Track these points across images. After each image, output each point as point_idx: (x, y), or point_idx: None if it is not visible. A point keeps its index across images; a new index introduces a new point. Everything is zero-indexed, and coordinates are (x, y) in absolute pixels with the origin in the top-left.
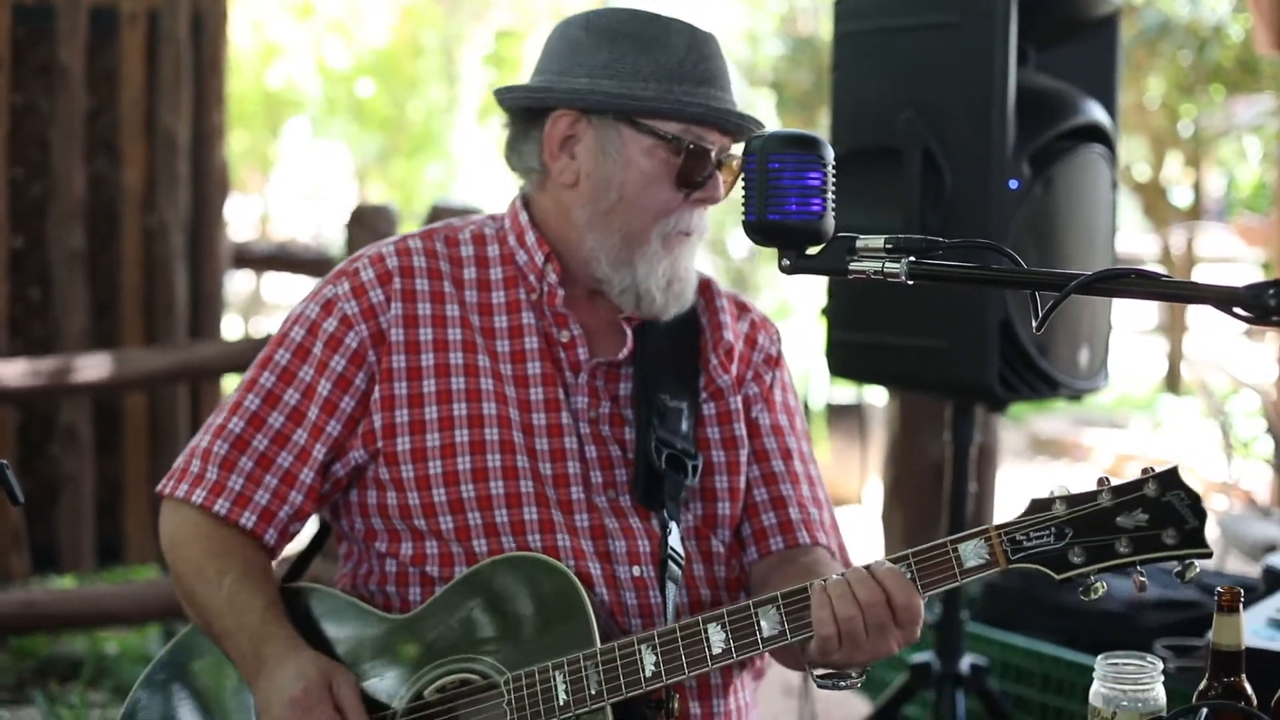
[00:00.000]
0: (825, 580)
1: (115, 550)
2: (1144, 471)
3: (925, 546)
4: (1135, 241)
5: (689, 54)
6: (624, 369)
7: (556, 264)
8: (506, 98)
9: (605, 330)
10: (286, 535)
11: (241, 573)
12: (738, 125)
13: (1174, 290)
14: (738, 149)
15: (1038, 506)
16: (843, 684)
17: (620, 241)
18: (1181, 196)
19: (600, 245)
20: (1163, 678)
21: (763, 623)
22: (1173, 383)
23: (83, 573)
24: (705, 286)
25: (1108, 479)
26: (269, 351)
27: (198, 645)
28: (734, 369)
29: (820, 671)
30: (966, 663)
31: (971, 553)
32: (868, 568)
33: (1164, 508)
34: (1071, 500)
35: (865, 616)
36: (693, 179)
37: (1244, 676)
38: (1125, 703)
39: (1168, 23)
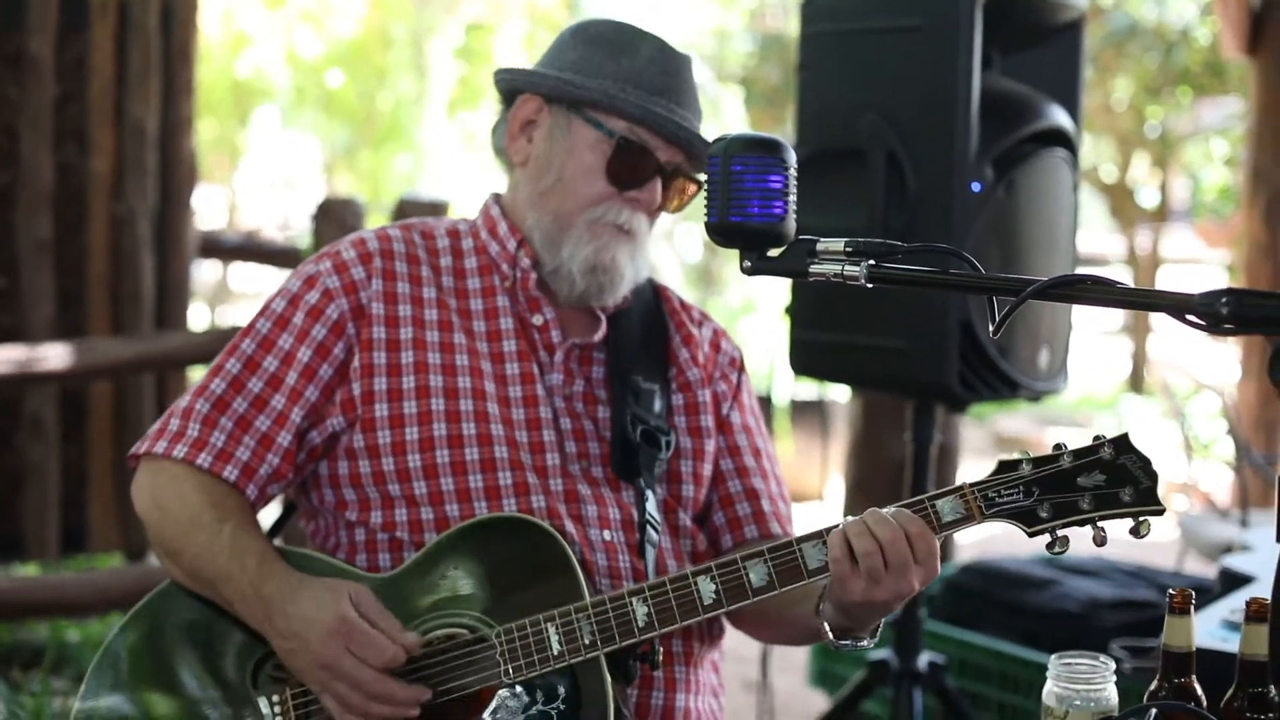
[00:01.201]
0: (846, 520)
1: (79, 539)
2: (1096, 438)
3: (905, 502)
4: (1101, 242)
5: (651, 64)
6: (597, 352)
7: (529, 249)
8: (496, 78)
9: (579, 315)
10: (265, 495)
11: (240, 521)
12: (677, 135)
13: (1129, 297)
14: (697, 178)
15: (1005, 467)
16: (859, 645)
17: (551, 222)
18: (1148, 198)
19: (536, 223)
20: (1115, 678)
21: (751, 575)
22: (1136, 383)
23: (47, 561)
24: (664, 292)
25: (1064, 445)
26: (251, 322)
27: (166, 604)
28: (701, 364)
29: (835, 632)
30: (924, 660)
31: (948, 508)
32: (886, 512)
33: (1119, 469)
34: (1036, 461)
35: (885, 553)
36: (625, 176)
37: (1194, 678)
38: (1078, 702)
39: (1135, 25)
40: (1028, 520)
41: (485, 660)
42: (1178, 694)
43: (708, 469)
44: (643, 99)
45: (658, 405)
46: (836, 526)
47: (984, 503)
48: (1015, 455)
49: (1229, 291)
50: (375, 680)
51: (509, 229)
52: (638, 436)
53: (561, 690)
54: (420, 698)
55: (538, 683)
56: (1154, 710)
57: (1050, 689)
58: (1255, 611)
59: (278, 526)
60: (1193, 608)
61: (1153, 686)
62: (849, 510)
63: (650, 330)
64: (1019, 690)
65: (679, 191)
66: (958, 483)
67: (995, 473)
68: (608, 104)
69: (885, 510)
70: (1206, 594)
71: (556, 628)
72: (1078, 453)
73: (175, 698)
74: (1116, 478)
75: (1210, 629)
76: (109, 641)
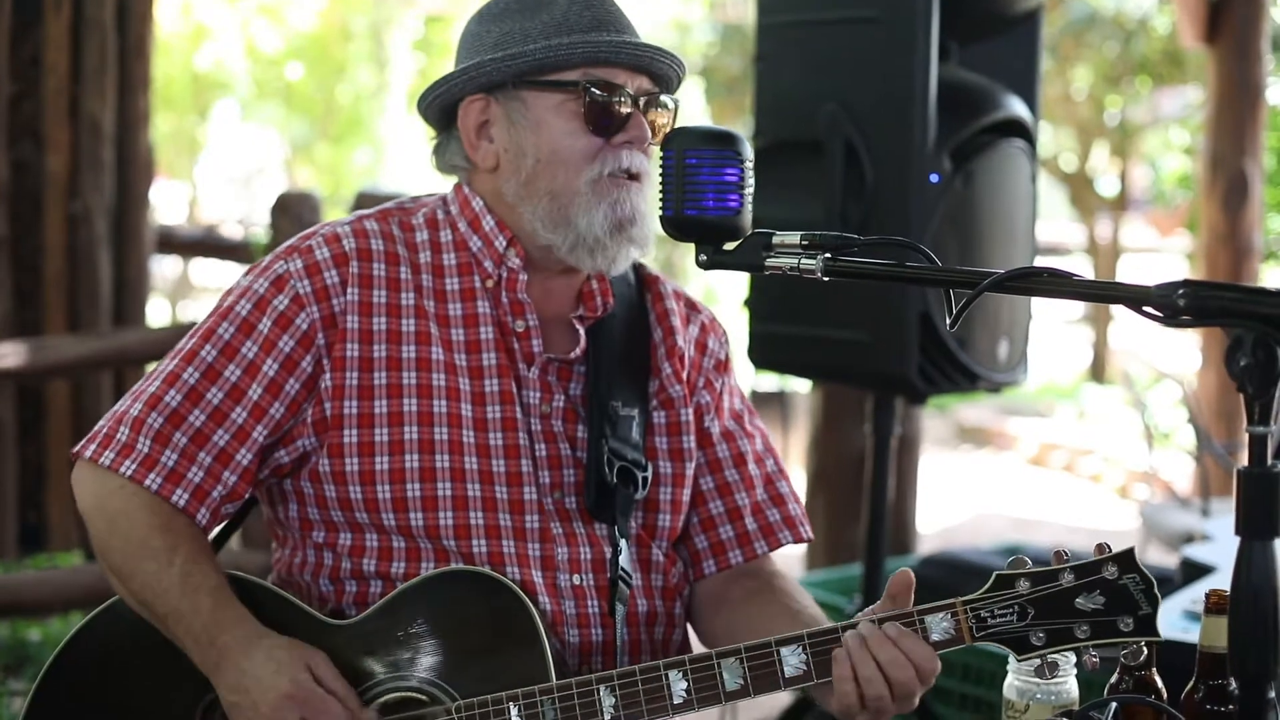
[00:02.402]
0: (849, 650)
1: (38, 537)
2: (1100, 549)
3: (893, 614)
4: (1062, 231)
5: (572, 6)
6: (577, 367)
7: (519, 248)
8: (422, 107)
9: (559, 327)
10: (218, 516)
11: (191, 550)
12: (635, 59)
13: (1085, 289)
14: (665, 99)
15: (1002, 582)
16: None
17: (550, 202)
18: (1108, 187)
19: (534, 213)
20: (1076, 671)
21: (725, 675)
22: (1097, 372)
23: (5, 560)
24: (654, 283)
25: (1065, 554)
26: (211, 323)
27: (116, 619)
28: (686, 377)
29: None
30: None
31: (938, 626)
32: (892, 638)
33: (1120, 591)
34: (1034, 578)
35: (895, 694)
36: (605, 120)
37: (1155, 670)
38: (1039, 695)
39: (1094, 15)
40: (1019, 646)
41: None
42: (1138, 686)
43: (687, 494)
44: (585, 38)
45: (635, 433)
46: (825, 639)
47: (975, 623)
48: (1013, 568)
49: (1185, 283)
50: None
51: (496, 224)
52: (614, 476)
53: None
54: None
55: None
56: (1114, 704)
57: (1011, 683)
58: (1214, 604)
59: (232, 527)
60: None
61: (1114, 679)
62: (810, 502)
63: (633, 339)
64: (981, 682)
65: (658, 118)
66: (952, 599)
67: (991, 588)
68: (554, 61)
69: (889, 628)
70: (1167, 584)
71: (519, 709)
72: (1079, 570)
73: (124, 715)
74: (1117, 603)
75: (1171, 619)
76: (59, 653)
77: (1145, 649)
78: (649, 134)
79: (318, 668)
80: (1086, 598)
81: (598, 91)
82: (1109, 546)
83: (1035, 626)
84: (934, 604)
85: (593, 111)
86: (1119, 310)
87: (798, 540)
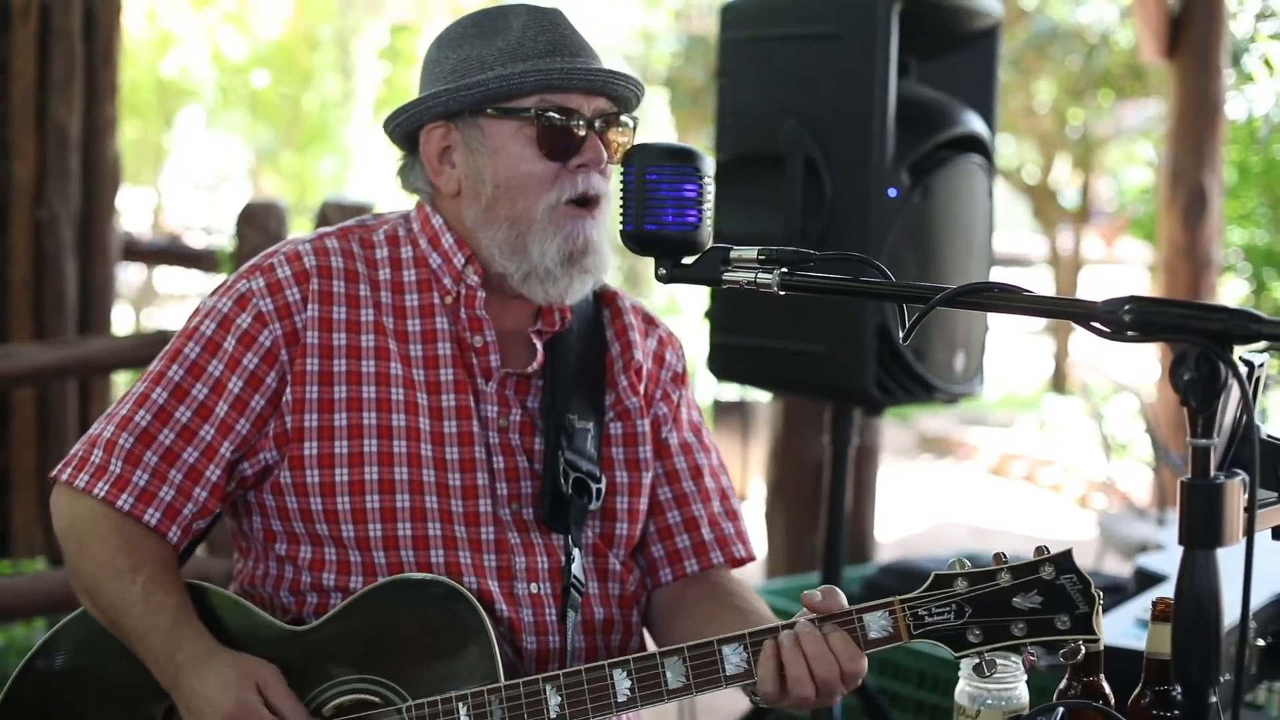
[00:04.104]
0: (776, 643)
1: (2, 543)
2: (1039, 551)
3: (833, 614)
4: (1025, 242)
5: (525, 31)
6: (534, 381)
7: (477, 265)
8: (387, 129)
9: (516, 341)
10: (189, 532)
11: (154, 570)
12: (588, 83)
13: (1034, 304)
14: (625, 118)
15: (940, 582)
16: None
17: (509, 229)
18: (1070, 199)
19: (493, 239)
20: (1025, 676)
21: (668, 674)
22: (1058, 383)
23: None
24: (612, 299)
25: (1004, 556)
26: (177, 344)
27: (79, 634)
28: (643, 389)
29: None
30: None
31: (876, 624)
32: (822, 631)
33: (1057, 592)
34: (972, 578)
35: (819, 690)
36: (560, 145)
37: (1103, 676)
38: (990, 701)
39: (1057, 28)
40: (955, 643)
41: None
42: (1086, 692)
43: (644, 503)
44: (538, 65)
45: (590, 446)
46: (763, 640)
47: (913, 621)
48: (952, 569)
49: (1131, 299)
50: None
51: (455, 242)
52: (569, 487)
53: None
54: None
55: None
56: (1061, 709)
57: (963, 688)
58: (1161, 611)
59: (201, 535)
60: (1100, 608)
61: (1062, 685)
62: (770, 512)
63: (589, 354)
64: (937, 689)
65: (617, 137)
66: (890, 598)
67: (929, 587)
68: (507, 89)
69: (818, 627)
70: (1121, 592)
71: (468, 708)
72: (1016, 570)
73: None
74: (1054, 602)
75: (1123, 628)
76: (27, 661)
77: (1083, 647)
78: (605, 156)
79: (267, 686)
80: (1024, 597)
81: (552, 117)
82: (1048, 549)
83: (972, 624)
84: (872, 602)
85: (547, 137)
86: None
87: (749, 556)
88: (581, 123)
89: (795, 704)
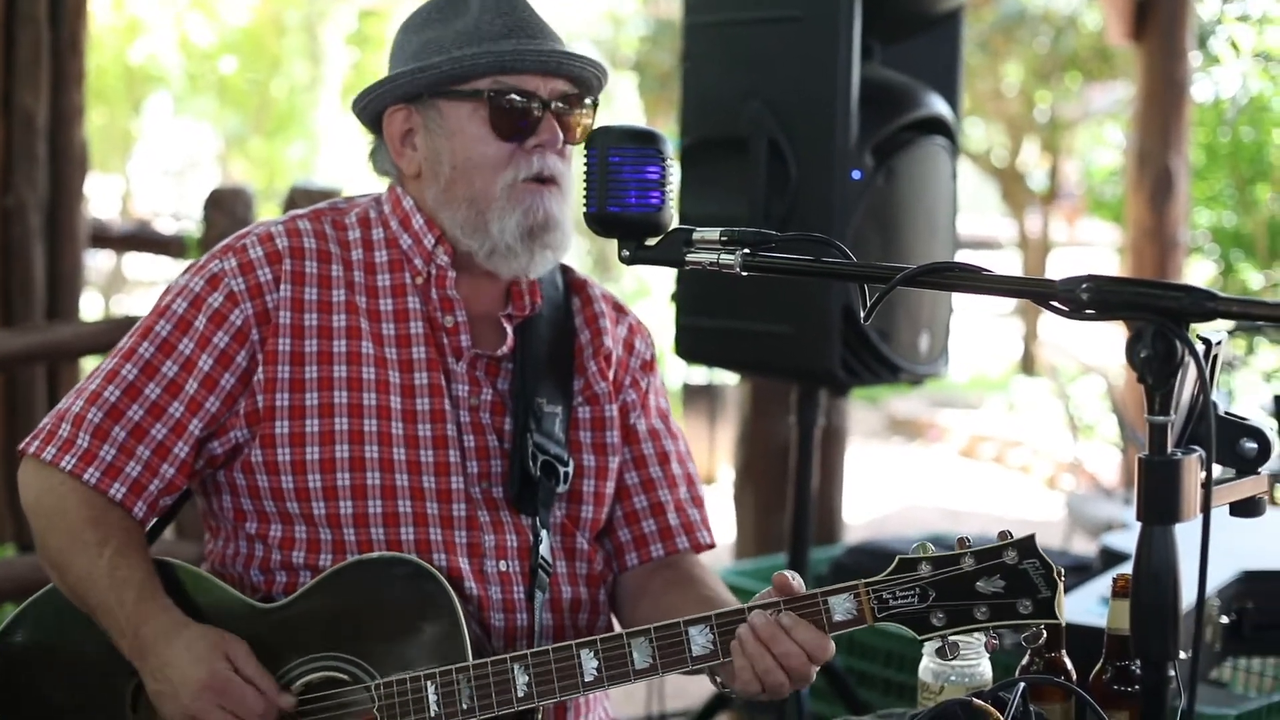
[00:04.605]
0: (743, 645)
1: None
2: (1002, 536)
3: (798, 596)
4: (993, 225)
5: (484, 13)
6: (504, 364)
7: (447, 245)
8: (355, 109)
9: (487, 324)
10: (156, 509)
11: (121, 543)
12: (542, 64)
13: (995, 284)
14: (586, 101)
15: (904, 565)
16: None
17: (468, 209)
18: (1039, 182)
19: (453, 220)
20: (988, 654)
21: (635, 654)
22: (1027, 365)
23: None
24: (582, 287)
25: (968, 540)
26: (149, 322)
27: (46, 613)
28: (612, 375)
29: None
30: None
31: (840, 607)
32: (783, 625)
33: (1020, 576)
34: (935, 562)
35: (792, 679)
36: (514, 126)
37: (1064, 652)
38: (953, 677)
39: (1024, 11)
40: (919, 626)
41: (360, 712)
42: (1048, 668)
43: (610, 486)
44: (493, 47)
45: (559, 429)
46: (731, 620)
47: (877, 604)
48: (916, 553)
49: (1089, 278)
50: None
51: (425, 223)
52: (537, 470)
53: None
54: None
55: None
56: (1023, 684)
57: (926, 665)
58: (1121, 587)
59: (168, 517)
60: (1062, 585)
61: (1024, 661)
62: (738, 494)
63: (559, 339)
64: (904, 668)
65: (576, 121)
66: (855, 581)
67: (894, 571)
68: (461, 71)
69: (778, 615)
70: (1087, 571)
71: (436, 686)
72: (980, 554)
73: (57, 706)
74: (1017, 586)
75: (1088, 605)
76: None
77: (1044, 631)
78: (560, 137)
79: (237, 658)
80: (987, 581)
81: (506, 98)
82: (1011, 534)
83: (936, 608)
84: (837, 585)
85: (499, 118)
86: None
87: (712, 543)
88: (538, 104)
89: (771, 694)
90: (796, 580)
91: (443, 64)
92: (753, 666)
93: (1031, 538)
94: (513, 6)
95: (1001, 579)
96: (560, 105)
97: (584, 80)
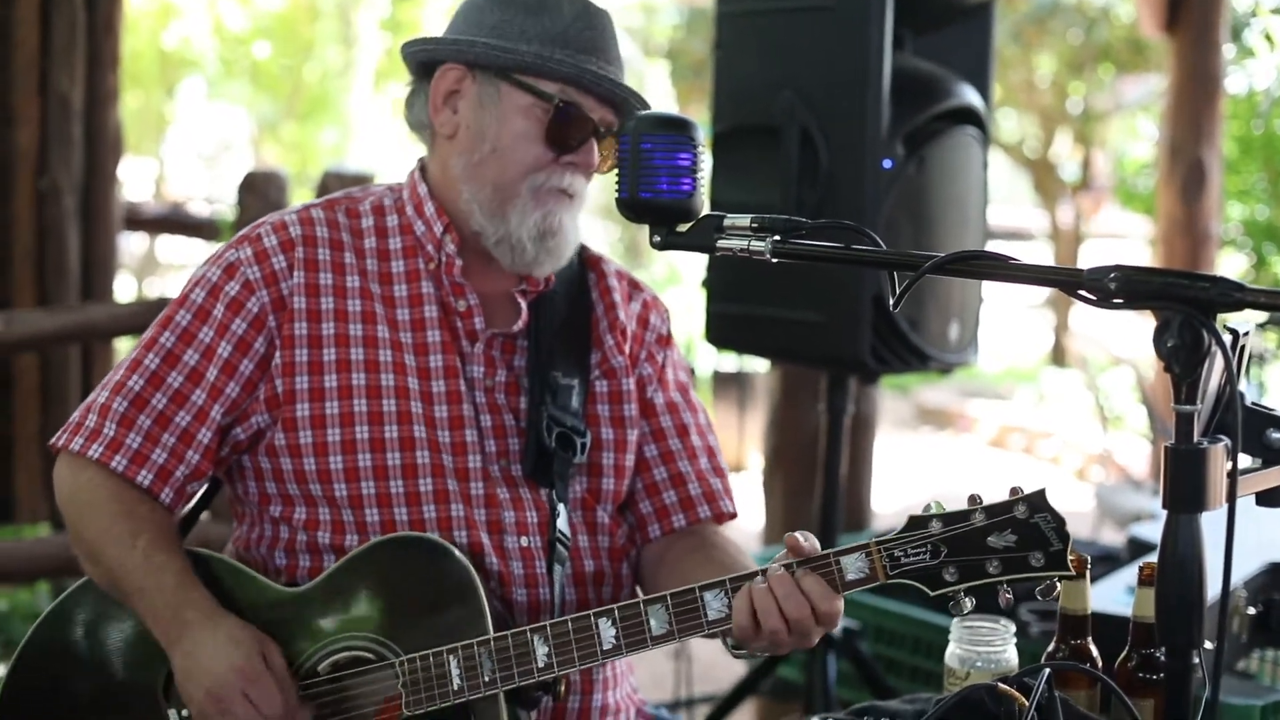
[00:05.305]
0: (750, 587)
1: (6, 509)
2: (1013, 492)
3: (810, 558)
4: (1025, 216)
5: (575, 22)
6: (519, 341)
7: (455, 234)
8: (406, 51)
9: (501, 302)
10: (183, 495)
11: (154, 534)
12: (610, 93)
13: (1024, 273)
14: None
15: (915, 523)
16: (755, 655)
17: (492, 193)
18: (1072, 173)
19: (474, 196)
20: (1015, 640)
21: (652, 621)
22: (1058, 356)
23: None
24: (596, 264)
25: (979, 498)
26: (169, 312)
27: (84, 603)
28: (628, 349)
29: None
30: (839, 626)
31: (852, 566)
32: (794, 575)
33: (1032, 530)
34: (946, 519)
35: (791, 628)
36: (564, 140)
37: (1090, 639)
38: (979, 664)
39: (1058, 2)
40: (932, 582)
41: (386, 689)
42: (1074, 654)
43: (630, 459)
44: (573, 59)
45: (575, 401)
46: (743, 585)
47: (889, 562)
48: (927, 510)
49: (1117, 268)
50: None
51: (436, 210)
52: (553, 441)
53: None
54: None
55: (436, 717)
56: (1048, 670)
57: (953, 651)
58: (1146, 576)
59: (202, 504)
60: (1089, 573)
61: (1050, 647)
62: (768, 481)
63: (574, 314)
64: (931, 655)
65: (610, 150)
66: (866, 540)
67: (905, 529)
68: (539, 67)
69: (795, 570)
70: (1115, 561)
71: (458, 661)
72: (990, 510)
73: (92, 698)
74: (1028, 539)
75: (1115, 595)
76: (33, 631)
77: (1058, 584)
78: (595, 163)
79: (271, 656)
80: (998, 536)
81: (564, 112)
82: (1021, 489)
83: (948, 564)
84: (849, 545)
85: (554, 128)
86: None
87: (734, 513)
88: (589, 127)
89: (769, 642)
90: (809, 540)
91: (526, 53)
92: (753, 604)
93: (1042, 492)
94: (601, 25)
95: (1013, 533)
96: (603, 132)
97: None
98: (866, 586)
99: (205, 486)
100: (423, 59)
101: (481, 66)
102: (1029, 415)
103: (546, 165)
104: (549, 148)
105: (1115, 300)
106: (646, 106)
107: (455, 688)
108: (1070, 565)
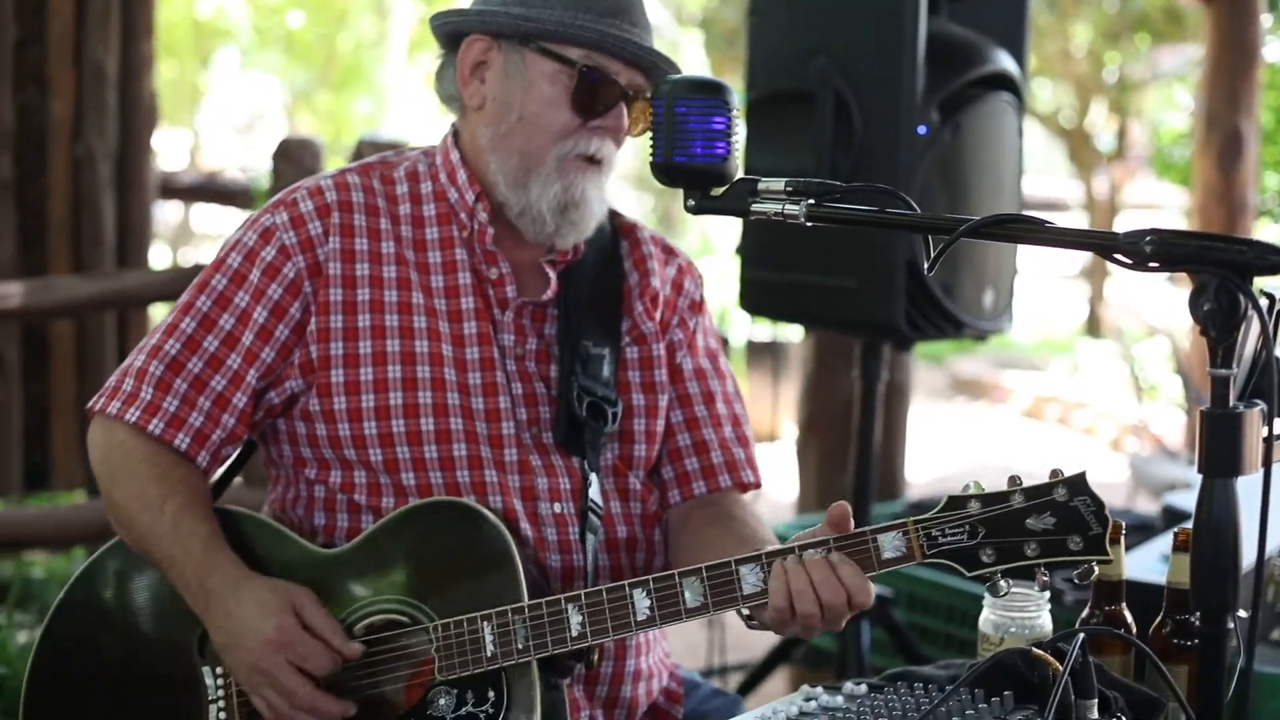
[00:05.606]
0: (785, 570)
1: (42, 475)
2: (1053, 474)
3: (847, 534)
4: (1061, 186)
5: None
6: (549, 309)
7: (486, 203)
8: (434, 24)
9: (531, 271)
10: (219, 459)
11: (184, 499)
12: (636, 57)
13: (1059, 236)
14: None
15: (954, 503)
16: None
17: (518, 162)
18: (1107, 143)
19: (500, 166)
20: (1049, 606)
21: (686, 593)
22: (1093, 327)
23: (9, 497)
24: (630, 231)
25: (1019, 479)
26: (205, 276)
27: (116, 564)
28: (659, 315)
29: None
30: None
31: (890, 544)
32: (830, 561)
33: (1071, 513)
34: (985, 499)
35: (825, 613)
36: (591, 105)
37: (1124, 605)
38: (1013, 629)
39: None
40: (969, 563)
41: (420, 653)
42: (1108, 620)
43: (660, 424)
44: (598, 23)
45: (606, 370)
46: (777, 558)
47: (926, 542)
48: (966, 490)
49: (1152, 231)
50: (306, 694)
51: (468, 178)
52: (584, 411)
53: (491, 694)
54: (347, 712)
55: (469, 682)
56: (1082, 635)
57: (986, 616)
58: (1181, 542)
59: (236, 467)
60: (1123, 538)
61: (1085, 613)
62: (801, 450)
63: (604, 282)
64: (965, 624)
65: (641, 114)
66: (902, 508)
67: (943, 509)
68: (563, 33)
69: (831, 552)
70: (1149, 530)
71: (492, 628)
72: (1029, 492)
73: (126, 656)
74: (1067, 522)
75: (1149, 563)
76: (67, 589)
77: (1096, 568)
78: (625, 127)
79: (303, 609)
80: (1037, 518)
81: (590, 77)
82: (1061, 471)
83: (985, 545)
84: (886, 523)
85: (581, 93)
86: (1115, 265)
87: (757, 483)
88: (617, 91)
89: (802, 626)
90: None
91: (548, 21)
92: (789, 587)
93: (1082, 475)
94: None
95: (1052, 516)
96: (631, 95)
97: (656, 78)
98: (902, 565)
99: (239, 450)
100: (450, 31)
101: (506, 36)
102: (1064, 386)
103: (574, 131)
104: (576, 113)
105: (1151, 264)
106: (674, 68)
107: (489, 654)
108: (1108, 550)
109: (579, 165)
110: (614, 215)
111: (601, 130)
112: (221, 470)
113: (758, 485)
